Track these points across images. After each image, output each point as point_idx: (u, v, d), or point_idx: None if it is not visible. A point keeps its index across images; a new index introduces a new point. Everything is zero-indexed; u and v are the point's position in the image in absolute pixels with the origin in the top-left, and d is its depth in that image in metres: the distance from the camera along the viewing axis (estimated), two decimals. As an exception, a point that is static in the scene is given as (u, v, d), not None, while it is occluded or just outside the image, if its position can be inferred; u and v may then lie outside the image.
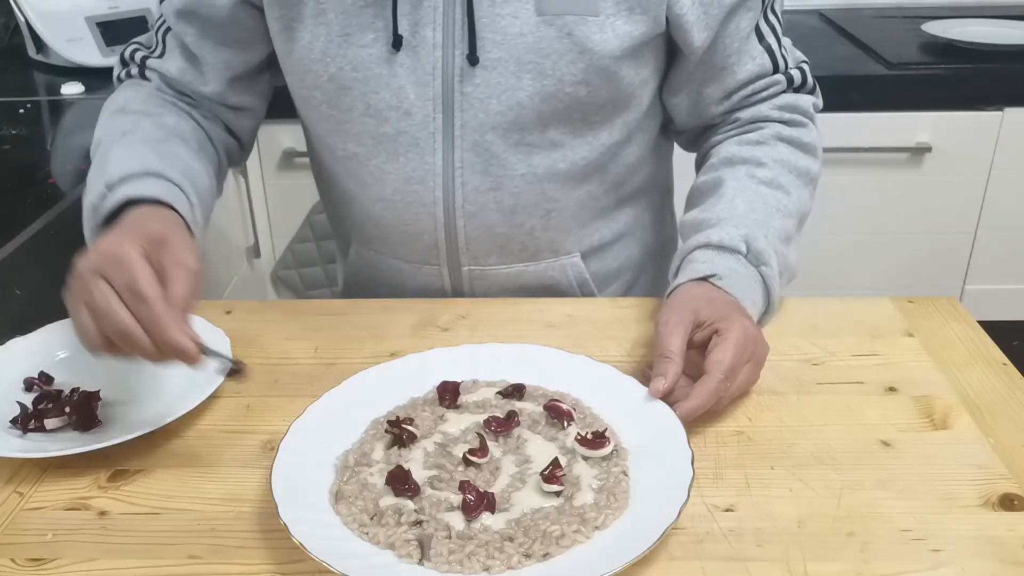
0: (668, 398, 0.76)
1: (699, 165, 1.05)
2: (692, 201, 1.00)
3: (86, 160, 1.26)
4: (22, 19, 1.75)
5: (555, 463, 0.70)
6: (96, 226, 0.84)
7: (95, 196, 0.84)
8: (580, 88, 0.92)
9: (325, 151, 1.02)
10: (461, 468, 0.71)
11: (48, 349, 0.88)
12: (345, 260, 1.12)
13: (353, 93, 0.94)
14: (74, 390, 0.81)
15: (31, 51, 1.79)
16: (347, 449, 0.74)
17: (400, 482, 0.68)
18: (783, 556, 0.64)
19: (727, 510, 0.69)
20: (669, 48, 0.97)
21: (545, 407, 0.77)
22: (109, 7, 1.78)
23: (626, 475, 0.70)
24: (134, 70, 1.02)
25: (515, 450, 0.74)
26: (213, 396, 0.80)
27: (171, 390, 0.82)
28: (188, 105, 1.01)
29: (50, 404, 0.79)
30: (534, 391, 0.80)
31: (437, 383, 0.80)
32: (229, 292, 1.80)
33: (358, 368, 0.82)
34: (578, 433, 0.74)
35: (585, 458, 0.72)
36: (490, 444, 0.73)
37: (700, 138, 1.06)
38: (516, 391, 0.80)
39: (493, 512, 0.67)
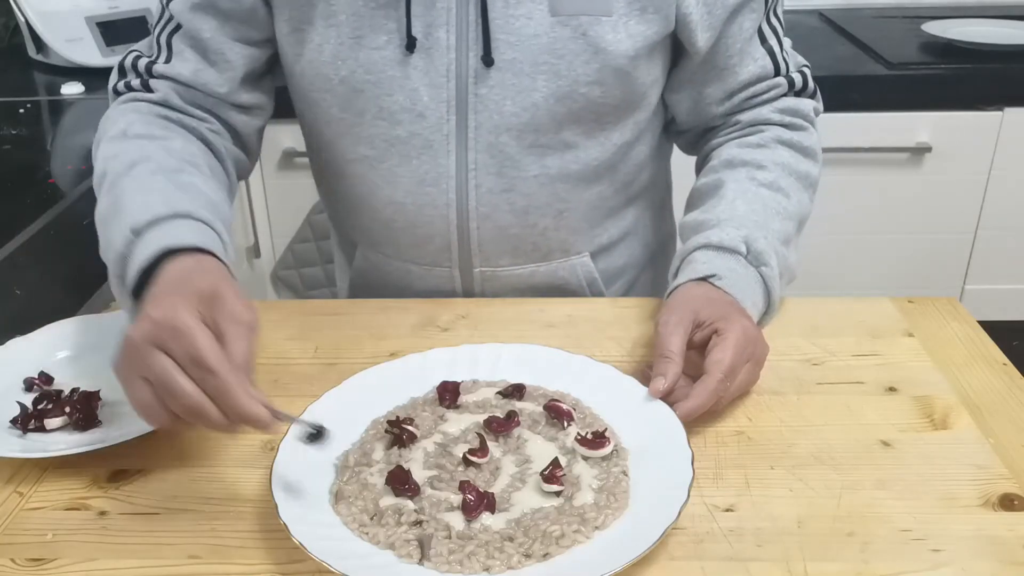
0: (668, 398, 0.77)
1: (699, 168, 1.06)
2: (692, 203, 1.00)
3: (86, 160, 1.26)
4: (22, 19, 1.75)
5: (555, 463, 0.70)
6: (125, 275, 0.76)
7: (121, 243, 0.77)
8: (594, 88, 0.92)
9: (333, 154, 1.01)
10: (461, 468, 0.71)
11: (48, 349, 0.88)
12: (350, 264, 1.11)
13: (365, 96, 0.93)
14: (74, 390, 0.81)
15: (31, 51, 1.79)
16: (347, 449, 0.74)
17: (400, 482, 0.68)
18: (783, 556, 0.64)
19: (727, 510, 0.69)
20: (674, 47, 0.97)
21: (545, 407, 0.77)
22: (109, 7, 1.78)
23: (626, 475, 0.70)
24: (135, 81, 0.96)
25: (515, 450, 0.74)
26: (213, 396, 0.80)
27: (171, 390, 0.82)
28: (196, 120, 0.95)
29: (50, 404, 0.79)
30: (534, 391, 0.80)
31: (437, 383, 0.80)
32: (229, 292, 1.79)
33: (358, 368, 0.82)
34: (578, 433, 0.74)
35: (585, 458, 0.72)
36: (490, 444, 0.73)
37: (700, 140, 1.06)
38: (516, 391, 0.80)
39: (493, 512, 0.67)
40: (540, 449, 0.73)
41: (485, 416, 0.76)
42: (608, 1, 0.90)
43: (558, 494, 0.68)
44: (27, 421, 0.78)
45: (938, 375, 0.85)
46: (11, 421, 0.78)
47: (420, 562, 0.63)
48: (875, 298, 0.99)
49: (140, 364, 0.64)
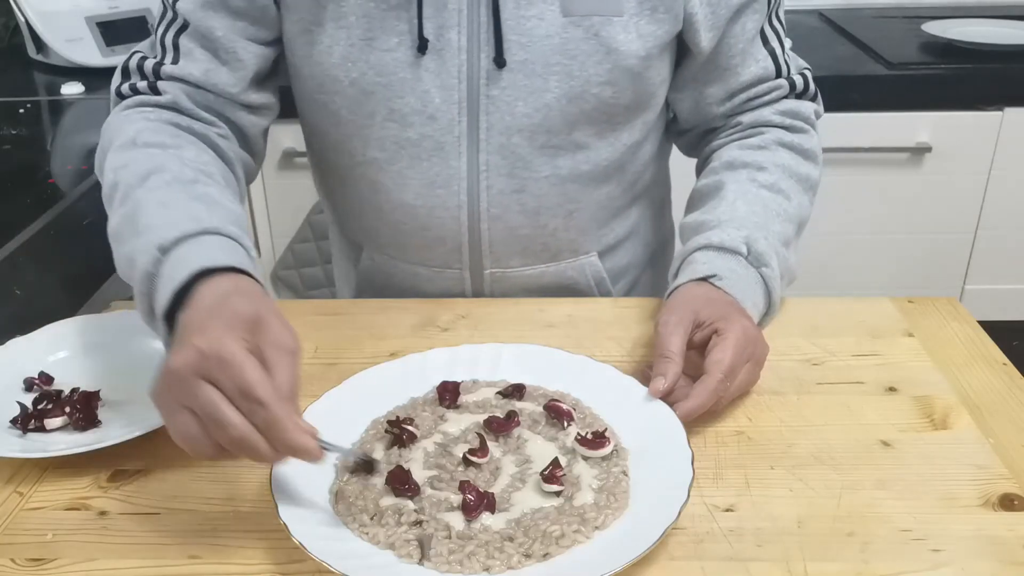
0: (668, 398, 0.77)
1: (699, 169, 1.06)
2: (692, 204, 1.00)
3: (86, 160, 1.26)
4: (22, 19, 1.75)
5: (555, 463, 0.70)
6: (153, 294, 0.73)
7: (147, 261, 0.73)
8: (606, 89, 0.93)
9: (339, 156, 1.00)
10: (461, 468, 0.71)
11: (48, 349, 0.88)
12: (356, 266, 1.10)
13: (376, 98, 0.93)
14: (74, 390, 0.81)
15: (31, 51, 1.79)
16: (347, 449, 0.74)
17: (400, 482, 0.68)
18: (783, 556, 0.64)
19: (727, 510, 0.69)
20: (678, 47, 0.98)
21: (545, 407, 0.77)
22: (109, 7, 1.78)
23: (626, 475, 0.70)
24: (142, 83, 0.93)
25: (515, 450, 0.74)
26: (213, 396, 0.80)
27: (171, 390, 0.82)
28: (205, 124, 0.93)
29: (50, 404, 0.79)
30: (534, 391, 0.80)
31: (437, 383, 0.80)
32: (229, 292, 1.79)
33: (358, 368, 0.82)
34: (578, 433, 0.74)
35: (585, 458, 0.72)
36: (490, 444, 0.73)
37: (701, 142, 1.06)
38: (516, 391, 0.80)
39: (493, 512, 0.67)
40: (540, 449, 0.73)
41: (485, 416, 0.76)
42: (619, 1, 0.90)
43: (558, 494, 0.68)
44: (27, 421, 0.78)
45: (938, 375, 0.85)
46: (11, 421, 0.78)
47: (420, 562, 0.63)
48: (875, 298, 0.99)
49: (184, 395, 0.62)
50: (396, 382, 0.81)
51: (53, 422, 0.78)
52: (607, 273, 1.07)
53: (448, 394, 0.79)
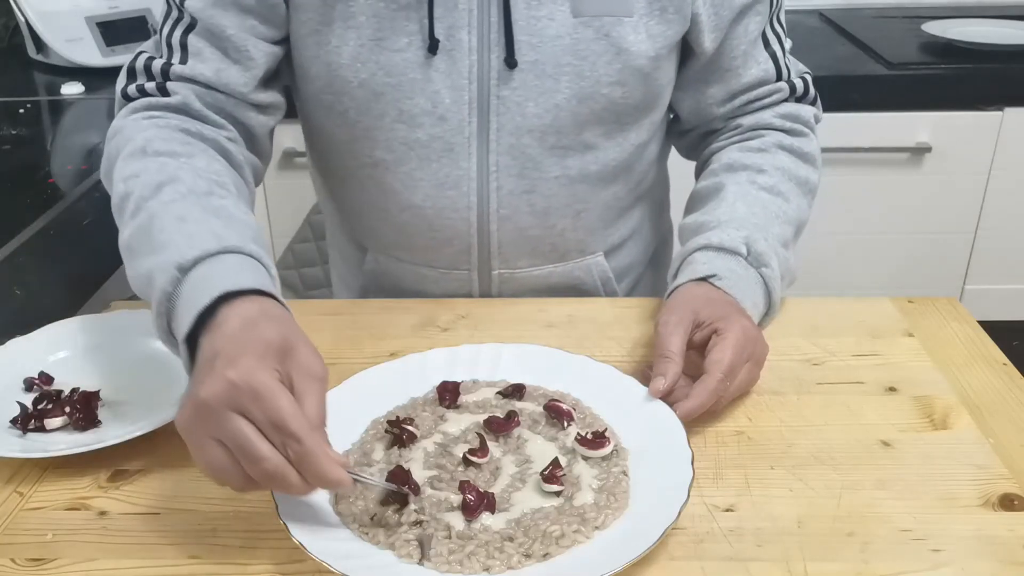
0: (668, 398, 0.77)
1: (699, 171, 1.06)
2: (692, 205, 1.00)
3: (86, 160, 1.26)
4: (22, 19, 1.75)
5: (555, 463, 0.70)
6: (171, 314, 0.72)
7: (166, 281, 0.71)
8: (616, 89, 0.93)
9: (344, 158, 0.99)
10: (461, 468, 0.71)
11: (48, 349, 0.88)
12: (360, 269, 1.09)
13: (385, 99, 0.92)
14: (74, 390, 0.81)
15: (31, 51, 1.79)
16: (347, 449, 0.74)
17: (400, 482, 0.68)
18: (783, 556, 0.64)
19: (727, 510, 0.69)
20: (682, 47, 0.98)
21: (545, 407, 0.77)
22: (109, 7, 1.78)
23: (626, 475, 0.70)
24: (149, 84, 0.91)
25: (515, 450, 0.74)
26: (213, 396, 0.80)
27: (172, 390, 0.82)
28: (214, 128, 0.91)
29: (50, 404, 0.79)
30: (534, 391, 0.80)
31: (437, 383, 0.80)
32: (229, 292, 1.79)
33: (358, 368, 0.82)
34: (578, 433, 0.74)
35: (585, 458, 0.72)
36: (490, 444, 0.73)
37: (700, 144, 1.07)
38: (516, 391, 0.80)
39: (493, 512, 0.67)
40: (540, 449, 0.73)
41: (485, 416, 0.76)
42: (629, 2, 0.90)
43: (558, 494, 0.68)
44: (27, 421, 0.78)
45: (938, 375, 0.85)
46: (11, 421, 0.78)
47: (420, 562, 0.63)
48: (875, 298, 0.99)
49: (215, 428, 0.61)
50: (396, 382, 0.81)
51: (53, 422, 0.78)
52: (612, 272, 1.07)
53: (448, 394, 0.79)
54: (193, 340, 0.69)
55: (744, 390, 0.81)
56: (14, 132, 1.42)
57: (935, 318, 0.95)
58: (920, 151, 1.84)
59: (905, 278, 1.97)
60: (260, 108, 0.95)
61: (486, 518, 0.66)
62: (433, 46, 0.90)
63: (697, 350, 0.81)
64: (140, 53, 0.94)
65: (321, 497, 0.69)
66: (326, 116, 0.97)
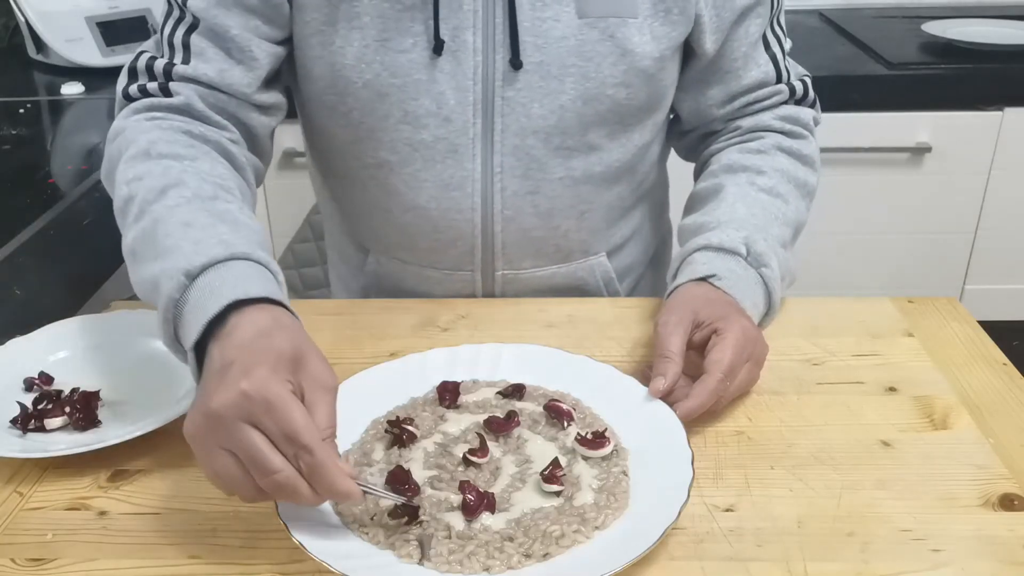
0: (668, 398, 0.77)
1: (698, 173, 1.06)
2: (691, 206, 1.00)
3: (86, 160, 1.26)
4: (22, 19, 1.75)
5: (555, 463, 0.70)
6: (178, 320, 0.71)
7: (173, 287, 0.71)
8: (620, 90, 0.93)
9: (347, 159, 0.99)
10: (461, 468, 0.71)
11: (48, 349, 0.88)
12: (361, 270, 1.09)
13: (390, 100, 0.92)
14: (74, 390, 0.81)
15: (31, 51, 1.79)
16: (347, 449, 0.74)
17: (400, 482, 0.68)
18: (783, 556, 0.64)
19: (727, 510, 0.69)
20: (684, 48, 0.98)
21: (545, 407, 0.77)
22: (109, 7, 1.78)
23: (626, 475, 0.70)
24: (152, 85, 0.90)
25: (515, 450, 0.74)
26: (213, 396, 0.80)
27: (172, 390, 0.82)
28: (217, 130, 0.90)
29: (50, 404, 0.79)
30: (534, 391, 0.80)
31: (437, 383, 0.80)
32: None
33: (358, 368, 0.82)
34: (578, 433, 0.74)
35: (585, 458, 0.72)
36: (490, 444, 0.73)
37: (700, 145, 1.07)
38: (516, 391, 0.80)
39: (493, 512, 0.67)
40: (540, 449, 0.73)
41: (485, 416, 0.76)
42: (634, 3, 0.90)
43: (558, 494, 0.68)
44: (27, 421, 0.78)
45: (938, 375, 0.85)
46: (11, 421, 0.78)
47: (420, 562, 0.63)
48: (875, 298, 0.99)
49: (226, 438, 0.61)
50: (396, 382, 0.81)
51: (53, 422, 0.78)
52: (614, 273, 1.07)
53: (448, 394, 0.79)
54: (200, 347, 0.69)
55: (744, 390, 0.81)
56: (14, 132, 1.42)
57: (935, 318, 0.95)
58: (920, 151, 1.84)
59: (905, 278, 1.97)
60: (262, 109, 0.95)
61: (486, 518, 0.66)
62: (438, 47, 0.89)
63: (697, 350, 0.81)
64: (141, 53, 0.93)
65: (321, 497, 0.69)
66: (329, 117, 0.96)
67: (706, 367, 0.77)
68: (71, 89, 1.61)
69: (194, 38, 0.90)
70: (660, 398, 0.76)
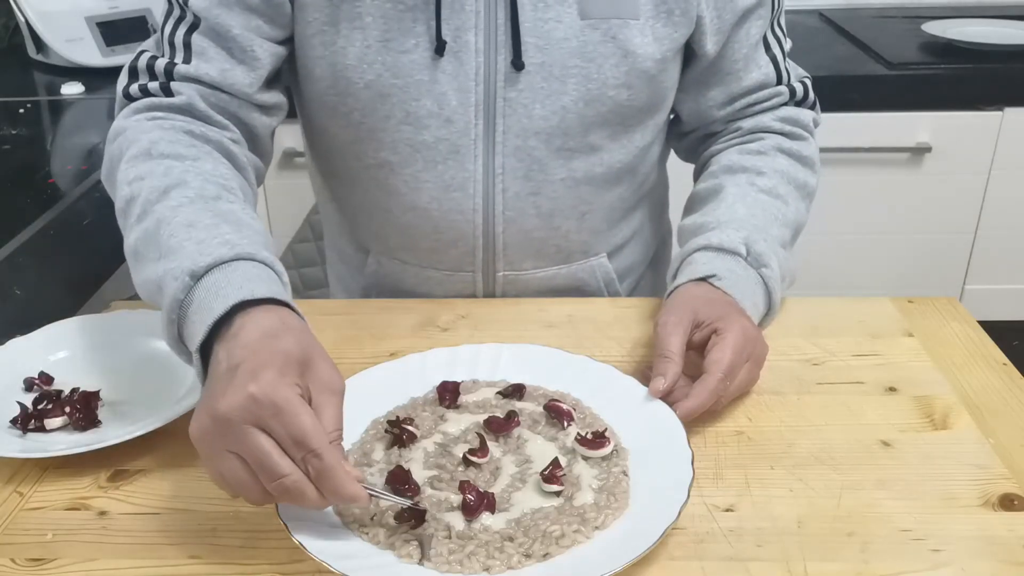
0: (668, 398, 0.77)
1: (698, 173, 1.06)
2: (691, 207, 1.00)
3: (86, 160, 1.26)
4: (22, 19, 1.75)
5: (555, 463, 0.70)
6: (182, 321, 0.71)
7: (177, 288, 0.70)
8: (622, 91, 0.93)
9: (348, 159, 0.99)
10: (461, 468, 0.71)
11: (48, 349, 0.88)
12: (361, 271, 1.09)
13: (392, 100, 0.92)
14: (74, 390, 0.81)
15: (31, 51, 1.80)
16: (347, 449, 0.74)
17: (400, 482, 0.68)
18: (783, 556, 0.64)
19: (727, 510, 0.69)
20: (684, 49, 0.98)
21: (545, 407, 0.77)
22: (109, 7, 1.78)
23: (626, 475, 0.70)
24: (153, 84, 0.90)
25: (515, 450, 0.74)
26: (213, 396, 0.80)
27: (172, 390, 0.82)
28: (218, 130, 0.90)
29: (50, 404, 0.79)
30: (534, 391, 0.80)
31: (437, 383, 0.80)
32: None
33: (358, 368, 0.82)
34: (578, 433, 0.74)
35: (585, 458, 0.72)
36: (490, 444, 0.73)
37: (700, 146, 1.07)
38: (516, 391, 0.80)
39: (493, 512, 0.67)
40: (540, 449, 0.73)
41: (485, 416, 0.76)
42: (636, 5, 0.90)
43: (558, 494, 0.68)
44: (27, 421, 0.78)
45: (938, 375, 0.85)
46: (11, 421, 0.78)
47: (420, 562, 0.63)
48: (875, 298, 0.99)
49: (233, 442, 0.61)
50: (396, 382, 0.81)
51: (53, 422, 0.78)
52: (615, 274, 1.07)
53: (448, 394, 0.79)
54: (205, 348, 0.68)
55: (744, 390, 0.81)
56: (14, 132, 1.42)
57: (935, 318, 0.95)
58: (920, 151, 1.84)
59: (905, 278, 1.97)
60: (264, 109, 0.95)
61: (486, 518, 0.66)
62: (440, 48, 0.89)
63: (697, 350, 0.81)
64: (142, 52, 0.93)
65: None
66: (330, 117, 0.96)
67: (706, 367, 0.77)
68: (71, 89, 1.61)
69: (195, 37, 0.89)
70: (660, 398, 0.76)
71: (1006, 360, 0.88)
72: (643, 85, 0.93)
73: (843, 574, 0.63)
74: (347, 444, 0.74)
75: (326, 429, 0.62)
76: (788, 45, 1.02)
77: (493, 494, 0.68)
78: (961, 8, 2.18)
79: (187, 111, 0.89)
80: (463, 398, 0.79)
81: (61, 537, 0.68)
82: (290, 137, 1.81)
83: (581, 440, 0.72)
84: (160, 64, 0.90)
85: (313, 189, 1.15)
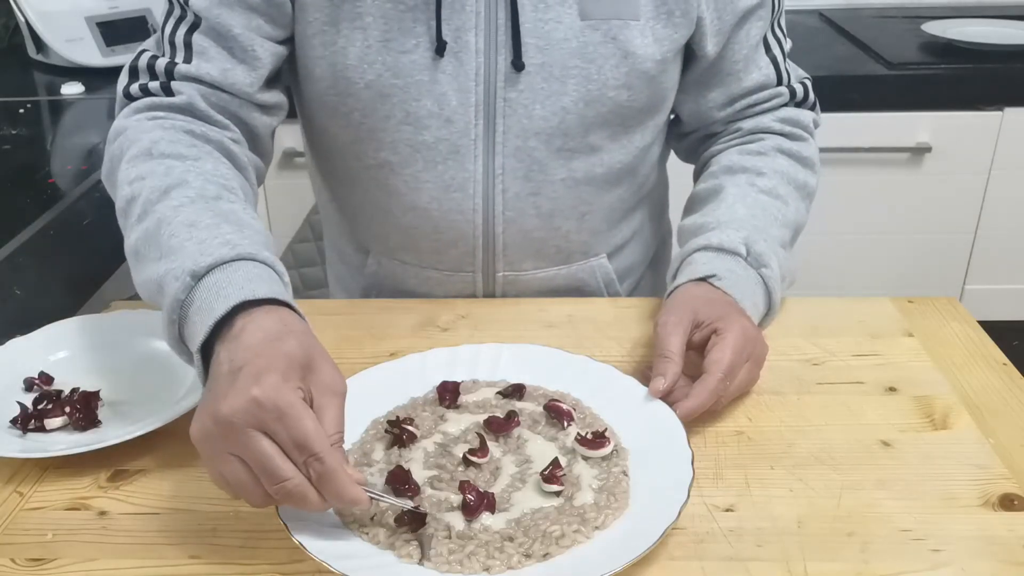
0: (668, 398, 0.77)
1: (697, 174, 1.06)
2: (691, 207, 1.00)
3: (86, 160, 1.26)
4: (22, 19, 1.75)
5: (555, 463, 0.70)
6: (183, 321, 0.70)
7: (178, 288, 0.70)
8: (622, 92, 0.93)
9: (348, 159, 0.99)
10: (461, 468, 0.71)
11: (48, 349, 0.88)
12: (361, 271, 1.09)
13: (392, 100, 0.92)
14: (74, 390, 0.81)
15: (31, 51, 1.79)
16: (347, 449, 0.74)
17: (400, 482, 0.68)
18: (783, 556, 0.64)
19: (727, 510, 0.69)
20: (684, 50, 0.98)
21: (545, 407, 0.77)
22: (109, 7, 1.78)
23: (626, 475, 0.70)
24: (153, 84, 0.90)
25: (515, 450, 0.74)
26: (213, 396, 0.80)
27: (172, 390, 0.82)
28: (219, 129, 0.89)
29: (50, 404, 0.79)
30: (534, 391, 0.80)
31: (437, 383, 0.80)
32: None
33: (358, 368, 0.82)
34: (578, 433, 0.74)
35: (585, 458, 0.72)
36: (490, 444, 0.73)
37: (700, 147, 1.07)
38: (516, 391, 0.80)
39: (493, 512, 0.67)
40: (540, 449, 0.73)
41: (485, 416, 0.76)
42: (636, 5, 0.90)
43: (558, 494, 0.68)
44: (27, 421, 0.78)
45: (938, 375, 0.85)
46: (11, 421, 0.78)
47: (420, 562, 0.63)
48: (875, 298, 0.99)
49: (235, 444, 0.61)
50: (396, 382, 0.81)
51: (53, 422, 0.78)
52: (615, 274, 1.07)
53: (448, 394, 0.79)
54: (206, 348, 0.68)
55: (744, 390, 0.81)
56: (14, 132, 1.42)
57: (935, 318, 0.95)
58: (920, 151, 1.84)
59: (905, 278, 1.97)
60: (264, 108, 0.95)
61: (486, 518, 0.66)
62: (440, 48, 0.89)
63: (697, 350, 0.81)
64: (142, 52, 0.93)
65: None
66: (330, 117, 0.96)
67: (706, 367, 0.77)
68: (71, 89, 1.61)
69: (196, 37, 0.89)
70: (660, 398, 0.76)
71: (1006, 360, 0.88)
72: (643, 86, 0.94)
73: (843, 574, 0.63)
74: (347, 444, 0.74)
75: (327, 431, 0.62)
76: (788, 46, 1.02)
77: (493, 494, 0.68)
78: (961, 8, 2.18)
79: (188, 111, 0.89)
80: (463, 398, 0.79)
81: (61, 537, 0.68)
82: (290, 137, 1.81)
83: (581, 440, 0.72)
84: (161, 64, 0.90)
85: (313, 189, 1.15)
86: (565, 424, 0.75)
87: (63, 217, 1.10)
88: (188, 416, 0.77)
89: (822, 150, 1.04)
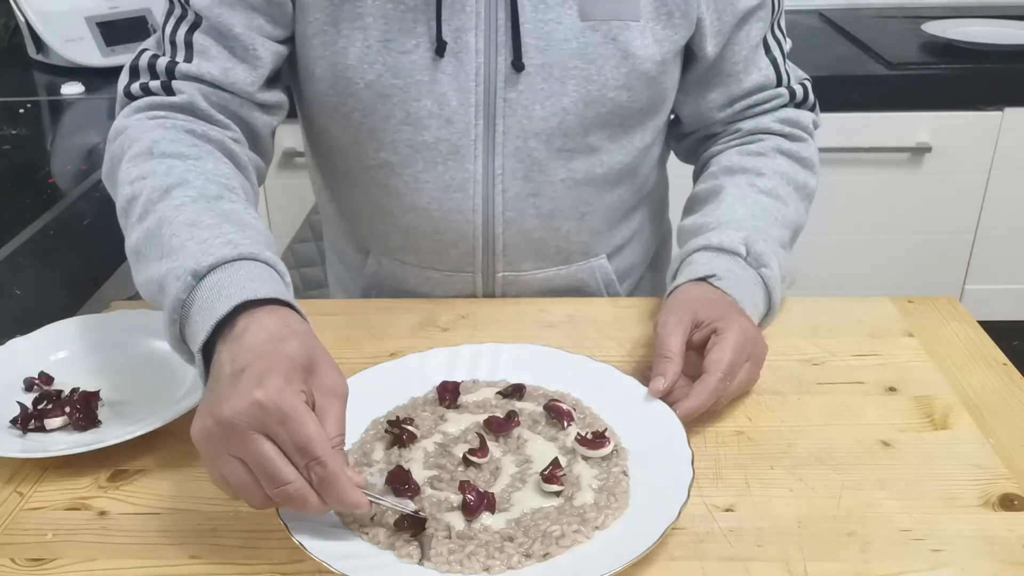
0: (668, 398, 0.77)
1: (697, 174, 1.06)
2: (691, 207, 1.00)
3: (86, 160, 1.26)
4: (22, 19, 1.75)
5: (555, 463, 0.70)
6: (184, 320, 0.70)
7: (179, 287, 0.70)
8: (622, 93, 0.93)
9: (348, 159, 0.99)
10: (461, 468, 0.71)
11: (48, 349, 0.88)
12: (360, 271, 1.09)
13: (392, 101, 0.92)
14: (74, 390, 0.81)
15: (31, 51, 1.80)
16: (347, 449, 0.74)
17: (400, 482, 0.68)
18: (783, 556, 0.64)
19: (727, 510, 0.69)
20: (684, 51, 0.98)
21: (545, 407, 0.77)
22: (109, 7, 1.78)
23: (626, 475, 0.70)
24: (154, 83, 0.90)
25: (515, 450, 0.74)
26: (213, 396, 0.80)
27: (172, 390, 0.82)
28: (220, 129, 0.89)
29: (50, 404, 0.79)
30: (534, 391, 0.80)
31: (437, 383, 0.80)
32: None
33: (358, 368, 0.82)
34: (578, 433, 0.74)
35: (585, 458, 0.72)
36: (490, 444, 0.73)
37: (699, 148, 1.07)
38: (516, 391, 0.80)
39: (493, 512, 0.67)
40: (540, 449, 0.73)
41: (485, 416, 0.76)
42: (636, 6, 0.90)
43: (558, 494, 0.68)
44: (27, 421, 0.78)
45: (938, 375, 0.85)
46: (11, 421, 0.78)
47: (420, 562, 0.63)
48: (875, 298, 0.99)
49: (237, 447, 0.61)
50: (396, 382, 0.81)
51: (53, 422, 0.78)
52: (615, 275, 1.07)
53: (448, 394, 0.79)
54: (207, 348, 0.68)
55: (744, 390, 0.81)
56: (14, 132, 1.42)
57: (935, 318, 0.95)
58: (920, 151, 1.84)
59: (905, 278, 1.97)
60: (265, 108, 0.94)
61: (486, 518, 0.66)
62: (440, 48, 0.89)
63: (696, 350, 0.81)
64: (143, 51, 0.93)
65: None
66: (330, 117, 0.96)
67: (706, 367, 0.77)
68: (71, 89, 1.61)
69: (197, 36, 0.89)
70: (660, 398, 0.76)
71: (1006, 360, 0.88)
72: (643, 87, 0.94)
73: (843, 574, 0.63)
74: (347, 444, 0.74)
75: (329, 434, 0.62)
76: (788, 46, 1.02)
77: (493, 494, 0.68)
78: (961, 8, 2.18)
79: (188, 110, 0.89)
80: (463, 398, 0.79)
81: (61, 537, 0.68)
82: (290, 137, 1.81)
83: (581, 440, 0.72)
84: (161, 63, 0.90)
85: (313, 189, 1.15)
86: (565, 424, 0.75)
87: (63, 217, 1.10)
88: (188, 416, 0.77)
89: (822, 150, 1.04)
